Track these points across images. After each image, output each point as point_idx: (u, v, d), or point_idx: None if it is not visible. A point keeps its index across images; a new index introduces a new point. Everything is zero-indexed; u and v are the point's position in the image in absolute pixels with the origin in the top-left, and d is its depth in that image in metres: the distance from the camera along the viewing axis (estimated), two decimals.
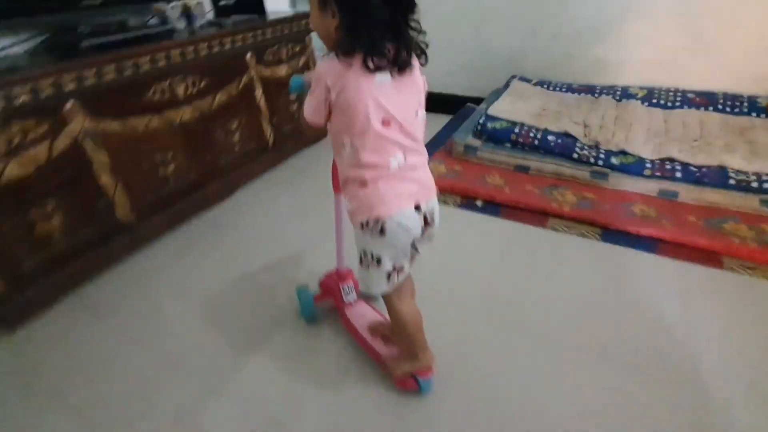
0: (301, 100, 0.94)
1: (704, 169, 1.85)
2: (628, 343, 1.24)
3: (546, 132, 2.11)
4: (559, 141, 2.05)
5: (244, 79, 2.04)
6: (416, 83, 0.88)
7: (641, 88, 2.47)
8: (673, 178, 1.86)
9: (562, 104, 2.40)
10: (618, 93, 2.47)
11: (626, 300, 1.39)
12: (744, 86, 2.33)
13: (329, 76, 0.81)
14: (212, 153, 1.97)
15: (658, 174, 1.89)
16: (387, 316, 1.13)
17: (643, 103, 2.36)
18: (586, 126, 2.17)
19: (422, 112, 0.90)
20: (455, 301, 1.42)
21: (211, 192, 2.00)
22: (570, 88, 2.58)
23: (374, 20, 0.76)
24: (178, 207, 1.87)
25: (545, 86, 2.62)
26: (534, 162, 2.06)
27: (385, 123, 0.83)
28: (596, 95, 2.49)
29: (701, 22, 2.30)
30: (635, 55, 2.50)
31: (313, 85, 0.85)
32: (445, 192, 1.98)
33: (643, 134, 2.08)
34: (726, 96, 2.30)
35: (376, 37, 0.78)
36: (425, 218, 0.90)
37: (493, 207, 1.90)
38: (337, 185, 1.09)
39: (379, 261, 0.91)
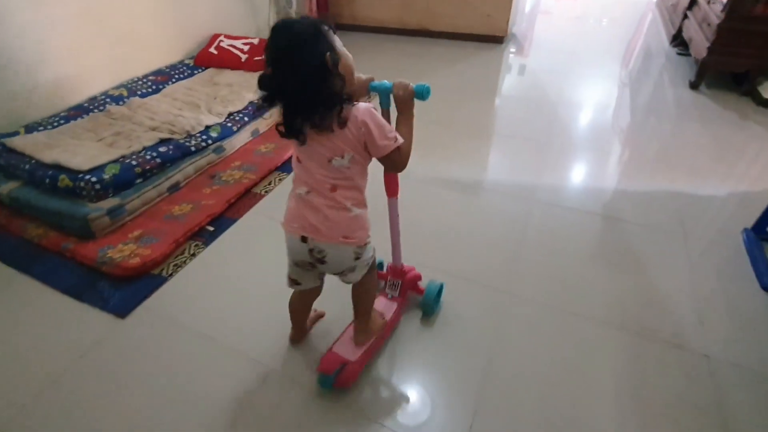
0: None
1: (250, 105, 2.59)
2: None
3: (150, 149, 2.05)
4: (171, 146, 2.09)
5: None
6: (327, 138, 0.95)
7: (116, 88, 2.60)
8: (244, 121, 2.49)
9: (97, 129, 2.22)
10: (110, 100, 2.49)
11: None
12: (172, 58, 2.99)
13: None
14: None
15: (238, 125, 2.45)
16: (387, 318, 1.35)
17: (136, 97, 2.57)
18: (154, 129, 2.24)
19: (341, 160, 0.97)
20: None
21: None
22: (65, 118, 2.29)
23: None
24: None
25: (40, 129, 2.18)
26: (177, 175, 2.06)
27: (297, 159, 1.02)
28: (97, 110, 2.40)
29: (110, 20, 2.57)
30: (82, 64, 2.49)
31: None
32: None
33: (195, 110, 2.45)
34: (172, 68, 2.90)
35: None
36: (313, 254, 1.04)
37: (226, 221, 1.93)
38: (390, 190, 1.23)
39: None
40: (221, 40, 3.17)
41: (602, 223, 1.91)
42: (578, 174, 2.28)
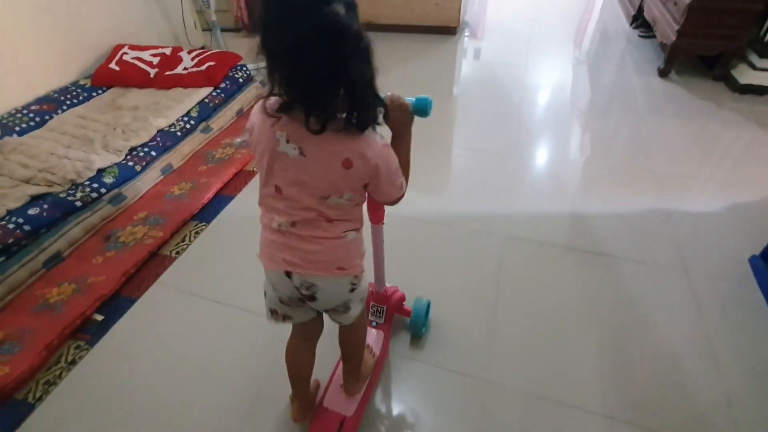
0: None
1: (159, 135, 2.12)
2: None
3: (15, 213, 1.57)
4: (45, 206, 1.62)
5: None
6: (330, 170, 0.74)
7: None
8: (151, 157, 2.02)
9: None
10: None
11: None
12: (62, 80, 2.45)
13: None
14: None
15: (144, 163, 1.98)
16: (376, 352, 1.22)
17: (13, 135, 2.05)
18: (27, 181, 1.75)
19: (338, 199, 0.79)
20: None
21: None
22: None
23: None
24: None
25: None
26: (58, 242, 1.60)
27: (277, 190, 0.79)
28: None
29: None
30: None
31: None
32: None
33: (87, 147, 1.96)
34: (62, 92, 2.37)
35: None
36: (301, 290, 0.85)
37: (121, 302, 1.49)
38: (375, 218, 1.04)
39: (265, 294, 0.93)
40: (124, 53, 2.65)
41: (589, 261, 1.59)
42: (553, 196, 1.93)
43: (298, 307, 0.91)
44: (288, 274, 0.83)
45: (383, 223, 1.06)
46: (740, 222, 1.71)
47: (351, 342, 1.04)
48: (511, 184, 1.98)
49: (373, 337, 1.25)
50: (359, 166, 0.73)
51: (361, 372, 1.11)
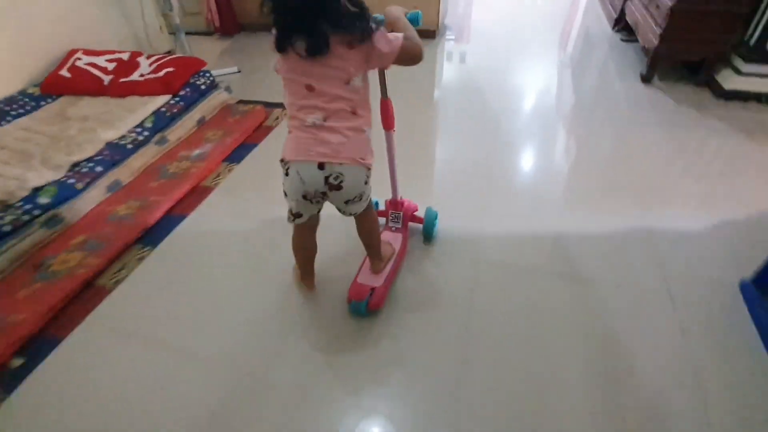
0: None
1: (108, 148, 1.96)
2: None
3: None
4: None
5: None
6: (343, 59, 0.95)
7: None
8: (96, 173, 1.86)
9: None
10: None
11: None
12: (9, 88, 2.29)
13: None
14: None
15: (87, 180, 1.81)
16: (395, 247, 1.49)
17: None
18: None
19: (357, 80, 0.99)
20: None
21: None
22: None
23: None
24: None
25: None
26: None
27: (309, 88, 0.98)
28: None
29: None
30: None
31: None
32: None
33: (26, 163, 1.78)
34: (7, 102, 2.21)
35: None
36: (329, 180, 1.02)
37: (44, 344, 1.32)
38: (388, 124, 1.29)
39: (285, 195, 1.11)
40: (78, 58, 2.48)
41: (570, 287, 1.46)
42: (530, 214, 1.78)
43: (312, 205, 1.11)
44: (320, 166, 1.00)
45: (394, 130, 1.30)
46: (727, 240, 1.60)
47: (365, 229, 1.30)
48: (486, 200, 1.85)
49: (391, 237, 1.53)
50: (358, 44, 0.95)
51: (381, 255, 1.39)
